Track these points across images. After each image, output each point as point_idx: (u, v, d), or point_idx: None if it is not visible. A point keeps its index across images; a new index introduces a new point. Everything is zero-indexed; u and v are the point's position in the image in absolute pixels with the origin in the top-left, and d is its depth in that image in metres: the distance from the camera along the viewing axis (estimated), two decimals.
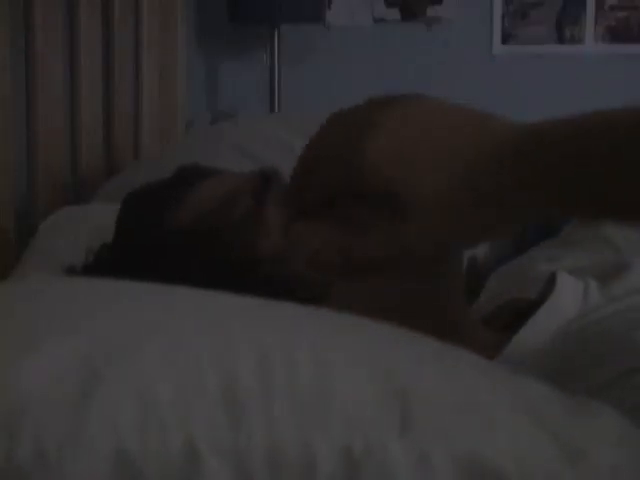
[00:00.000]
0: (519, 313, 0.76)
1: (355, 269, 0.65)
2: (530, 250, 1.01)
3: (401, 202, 0.53)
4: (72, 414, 0.43)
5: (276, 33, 2.48)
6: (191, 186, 0.72)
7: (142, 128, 2.14)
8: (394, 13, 2.74)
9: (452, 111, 0.55)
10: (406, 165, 0.53)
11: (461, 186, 0.51)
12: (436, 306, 0.68)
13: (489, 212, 0.52)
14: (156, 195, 0.74)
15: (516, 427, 0.45)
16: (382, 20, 2.74)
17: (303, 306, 0.58)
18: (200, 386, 0.45)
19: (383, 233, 0.57)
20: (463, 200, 0.51)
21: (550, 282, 0.77)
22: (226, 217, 0.69)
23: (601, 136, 0.47)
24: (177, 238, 0.70)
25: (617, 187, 0.46)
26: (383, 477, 0.42)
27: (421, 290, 0.67)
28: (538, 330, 0.69)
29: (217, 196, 0.70)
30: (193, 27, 2.66)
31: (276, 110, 2.54)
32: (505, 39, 2.73)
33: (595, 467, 0.44)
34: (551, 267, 0.88)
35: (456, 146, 0.52)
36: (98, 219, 1.13)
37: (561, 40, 2.71)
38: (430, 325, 0.62)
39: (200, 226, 0.69)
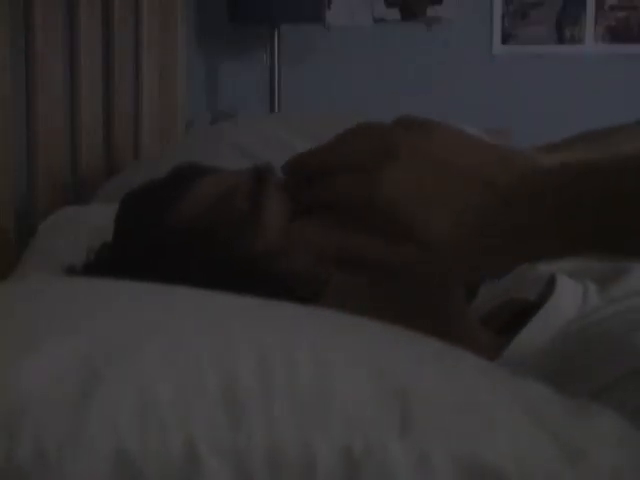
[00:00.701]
0: (518, 314, 0.76)
1: (355, 268, 0.65)
2: None
3: (408, 234, 0.54)
4: (72, 414, 0.43)
5: (276, 33, 2.48)
6: (188, 184, 0.72)
7: (142, 128, 2.14)
8: (394, 13, 2.74)
9: (469, 146, 0.55)
10: (419, 201, 0.53)
11: (471, 227, 0.52)
12: (436, 306, 0.68)
13: (496, 251, 0.52)
14: (154, 194, 0.74)
15: (516, 427, 0.45)
16: (382, 20, 2.73)
17: (303, 306, 0.58)
18: (200, 386, 0.45)
19: (382, 251, 0.57)
20: (472, 240, 0.52)
21: (549, 284, 0.77)
22: (224, 215, 0.69)
23: (611, 176, 0.47)
24: (175, 236, 0.70)
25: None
26: (383, 477, 0.42)
27: (421, 291, 0.67)
28: (538, 332, 0.69)
29: (215, 194, 0.70)
30: (193, 27, 2.66)
31: (276, 110, 2.54)
32: (505, 39, 2.73)
33: (595, 467, 0.44)
34: (549, 267, 0.88)
35: (469, 184, 0.52)
36: (98, 219, 1.13)
37: (561, 40, 2.71)
38: (429, 325, 0.62)
39: (198, 224, 0.69)
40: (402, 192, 0.54)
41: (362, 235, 0.59)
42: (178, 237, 0.70)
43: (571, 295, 0.74)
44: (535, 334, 0.68)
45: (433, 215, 0.53)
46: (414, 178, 0.54)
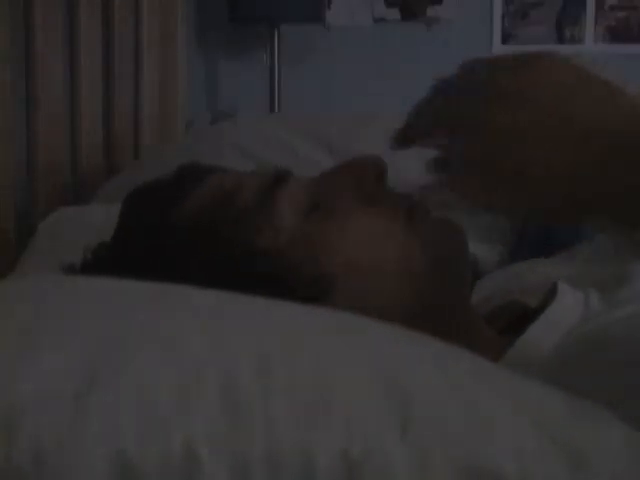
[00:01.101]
0: (519, 316, 0.76)
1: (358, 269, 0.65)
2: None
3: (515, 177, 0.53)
4: (71, 414, 0.43)
5: (276, 33, 2.48)
6: (193, 183, 0.72)
7: (142, 128, 2.14)
8: (394, 13, 2.74)
9: (578, 86, 0.54)
10: (533, 142, 0.52)
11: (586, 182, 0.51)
12: (439, 305, 0.68)
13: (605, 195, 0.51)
14: (157, 192, 0.74)
15: (517, 429, 0.45)
16: (382, 20, 2.73)
17: (303, 306, 0.58)
18: (199, 386, 0.45)
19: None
20: (584, 185, 0.51)
21: (551, 291, 0.77)
22: (227, 212, 0.69)
23: None
24: (176, 234, 0.70)
25: None
26: (382, 478, 0.42)
27: (424, 291, 0.67)
28: (542, 334, 0.68)
29: (219, 192, 0.70)
30: (193, 27, 2.66)
31: (276, 110, 2.54)
32: (505, 39, 2.73)
33: (596, 470, 0.43)
34: (551, 270, 0.88)
35: (583, 135, 0.51)
36: (98, 219, 1.13)
37: (561, 40, 2.71)
38: (431, 326, 0.61)
39: (200, 222, 0.69)
40: (510, 133, 0.53)
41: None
42: (179, 235, 0.70)
43: (573, 300, 0.74)
44: (538, 336, 0.68)
45: (545, 158, 0.52)
46: (523, 118, 0.52)
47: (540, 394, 0.50)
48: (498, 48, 2.72)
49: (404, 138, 0.59)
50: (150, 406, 0.43)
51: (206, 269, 0.67)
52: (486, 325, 0.74)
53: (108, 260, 0.75)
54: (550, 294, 0.76)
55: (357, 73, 2.71)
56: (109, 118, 2.06)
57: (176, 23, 2.22)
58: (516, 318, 0.76)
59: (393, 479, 0.42)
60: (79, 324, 0.50)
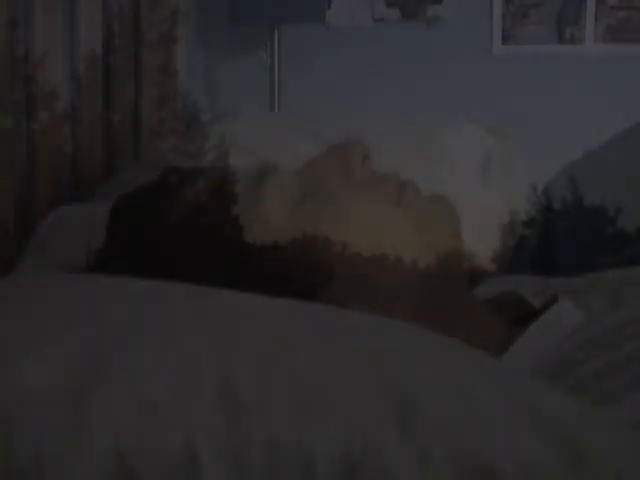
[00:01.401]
0: (521, 314, 0.75)
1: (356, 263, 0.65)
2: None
3: None
4: (71, 414, 0.43)
5: (276, 33, 2.49)
6: (187, 182, 0.72)
7: (142, 128, 2.14)
8: (394, 13, 2.74)
9: None
10: None
11: None
12: (442, 297, 0.68)
13: None
14: (149, 194, 0.74)
15: (517, 428, 0.45)
16: (382, 20, 2.74)
17: (302, 304, 0.58)
18: (199, 386, 0.45)
19: None
20: None
21: (553, 297, 0.76)
22: (221, 211, 0.69)
23: None
24: (173, 233, 0.70)
25: None
26: (382, 477, 0.42)
27: (424, 280, 0.67)
28: (544, 333, 0.68)
29: (212, 191, 0.70)
30: (193, 27, 2.66)
31: (276, 110, 2.54)
32: (505, 39, 2.72)
33: (596, 470, 0.43)
34: (552, 280, 0.88)
35: None
36: (98, 219, 1.13)
37: (561, 40, 2.71)
38: (433, 319, 0.61)
39: (197, 220, 0.69)
40: None
41: None
42: (176, 234, 0.70)
43: (575, 304, 0.74)
44: (541, 334, 0.68)
45: None
46: None
47: (542, 392, 0.50)
48: (498, 48, 2.72)
49: None
50: (149, 406, 0.43)
51: (203, 268, 0.67)
52: (488, 319, 0.74)
53: (107, 260, 0.75)
54: (551, 299, 0.76)
55: (357, 73, 2.71)
56: (109, 118, 2.06)
57: (176, 23, 2.22)
58: (518, 314, 0.76)
59: (393, 479, 0.42)
60: (79, 324, 0.50)
